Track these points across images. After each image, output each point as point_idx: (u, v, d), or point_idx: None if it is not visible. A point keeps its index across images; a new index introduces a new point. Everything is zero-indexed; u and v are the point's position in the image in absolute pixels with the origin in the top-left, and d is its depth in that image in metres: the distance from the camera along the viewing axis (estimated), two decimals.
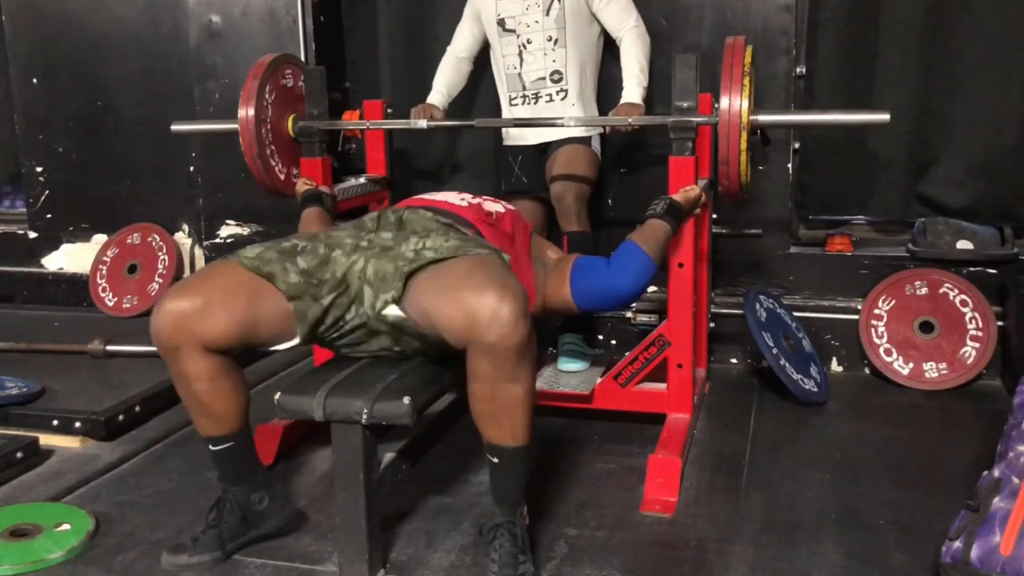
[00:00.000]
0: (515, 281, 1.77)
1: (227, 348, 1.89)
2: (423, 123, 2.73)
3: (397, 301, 1.85)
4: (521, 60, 2.97)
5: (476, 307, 1.68)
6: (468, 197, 2.31)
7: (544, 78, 2.95)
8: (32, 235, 4.17)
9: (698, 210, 2.45)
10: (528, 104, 3.00)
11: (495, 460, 1.85)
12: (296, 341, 1.93)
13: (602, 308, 2.38)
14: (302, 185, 2.66)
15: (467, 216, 2.18)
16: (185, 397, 1.95)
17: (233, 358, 1.93)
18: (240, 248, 2.00)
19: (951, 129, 3.26)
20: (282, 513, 2.08)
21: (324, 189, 2.65)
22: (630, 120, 2.56)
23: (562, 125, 2.74)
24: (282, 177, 2.85)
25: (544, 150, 3.05)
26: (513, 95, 3.02)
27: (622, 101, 2.87)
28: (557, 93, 2.95)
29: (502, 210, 2.33)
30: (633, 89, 2.88)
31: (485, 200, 2.35)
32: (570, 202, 2.88)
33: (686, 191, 2.39)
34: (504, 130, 3.16)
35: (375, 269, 1.89)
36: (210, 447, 1.99)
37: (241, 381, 1.97)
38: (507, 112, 3.07)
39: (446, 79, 3.12)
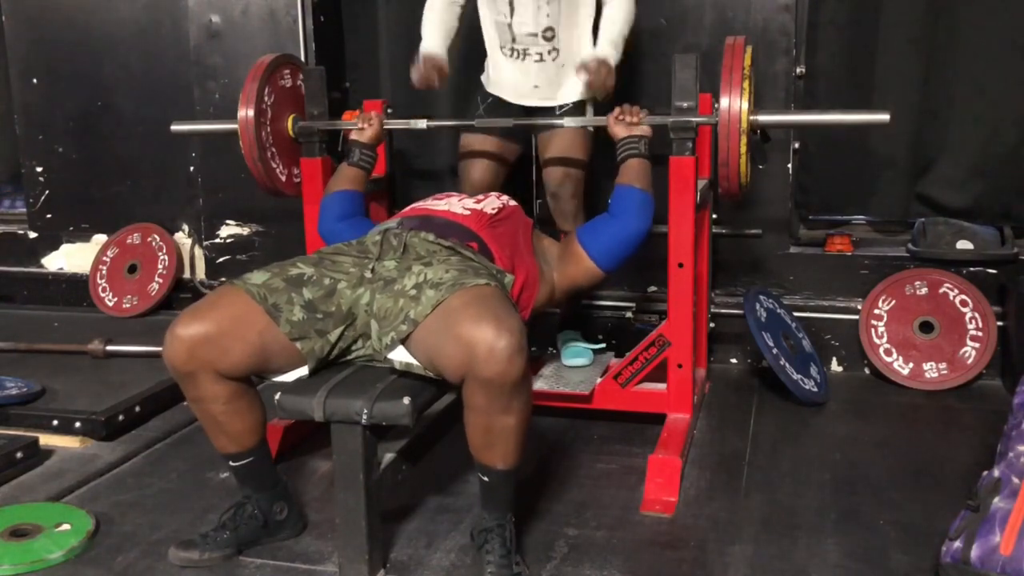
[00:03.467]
0: (512, 315, 1.77)
1: (241, 377, 1.91)
2: (423, 123, 2.72)
3: (403, 342, 1.86)
4: (512, 9, 2.69)
5: (472, 343, 1.69)
6: (469, 202, 2.33)
7: (536, 34, 2.70)
8: (32, 235, 4.17)
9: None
10: (516, 59, 2.75)
11: (485, 479, 1.89)
12: (304, 373, 1.95)
13: (624, 258, 2.39)
14: (355, 134, 2.63)
15: (469, 224, 2.19)
16: (202, 418, 1.96)
17: (248, 380, 1.95)
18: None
19: (951, 129, 3.26)
20: (297, 526, 2.12)
21: (365, 142, 2.61)
22: (629, 120, 2.50)
23: (561, 125, 2.66)
24: (283, 178, 2.85)
25: (537, 114, 2.80)
26: (504, 46, 2.76)
27: (592, 54, 2.64)
28: (549, 52, 2.71)
29: (502, 206, 2.36)
30: (606, 47, 2.64)
31: (487, 198, 2.38)
32: (566, 201, 2.82)
33: (627, 122, 2.44)
34: (501, 80, 2.84)
35: (379, 305, 1.91)
36: (230, 463, 2.01)
37: (257, 398, 1.99)
38: (496, 62, 2.80)
39: (439, 18, 2.80)
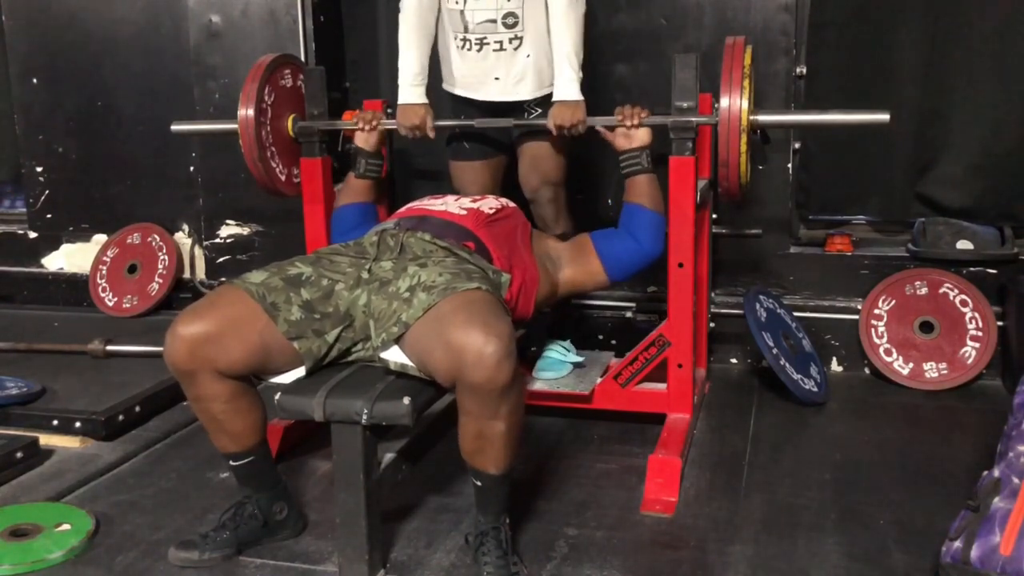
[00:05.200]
0: (502, 321, 1.78)
1: (241, 376, 1.92)
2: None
3: (396, 341, 1.87)
4: None
5: (461, 349, 1.70)
6: (466, 202, 2.34)
7: (494, 20, 2.49)
8: (32, 235, 4.17)
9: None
10: (471, 50, 2.55)
11: (478, 483, 1.90)
12: (302, 373, 1.96)
13: (633, 274, 2.52)
14: (359, 141, 2.64)
15: (466, 224, 2.20)
16: (203, 417, 1.97)
17: (248, 380, 1.96)
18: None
19: (951, 129, 3.26)
20: (296, 526, 2.12)
21: (369, 150, 2.63)
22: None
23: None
24: (283, 178, 2.85)
25: (505, 110, 2.65)
26: (456, 36, 2.57)
27: (554, 98, 2.49)
28: (510, 41, 2.50)
29: (501, 207, 2.38)
30: (566, 76, 2.46)
31: (485, 199, 2.40)
32: (544, 207, 2.77)
33: (627, 133, 2.43)
34: (454, 76, 2.70)
35: (375, 306, 1.93)
36: (230, 462, 2.02)
37: (257, 398, 1.99)
38: (451, 57, 2.63)
39: (417, 42, 2.58)
